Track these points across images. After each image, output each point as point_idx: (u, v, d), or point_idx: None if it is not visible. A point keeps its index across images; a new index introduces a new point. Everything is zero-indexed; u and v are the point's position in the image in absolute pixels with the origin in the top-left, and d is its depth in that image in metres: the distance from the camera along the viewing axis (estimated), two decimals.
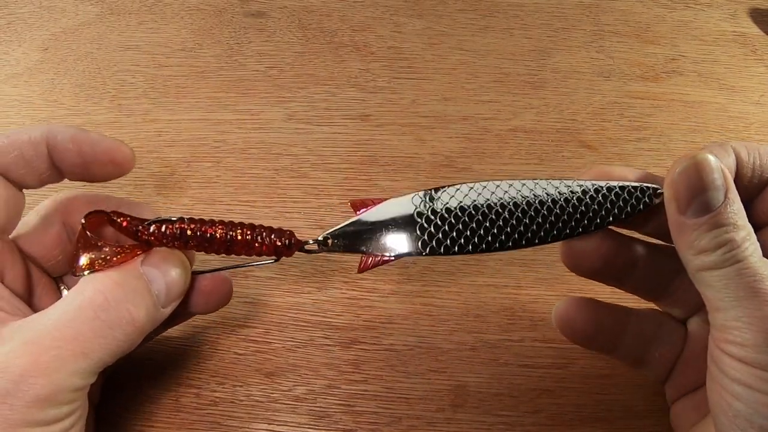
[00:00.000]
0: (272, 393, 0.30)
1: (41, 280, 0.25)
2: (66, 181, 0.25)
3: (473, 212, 0.25)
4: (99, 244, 0.22)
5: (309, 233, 0.27)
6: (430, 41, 0.46)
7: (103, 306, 0.21)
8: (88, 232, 0.22)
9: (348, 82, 0.43)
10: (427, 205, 0.25)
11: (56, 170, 0.24)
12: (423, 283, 0.34)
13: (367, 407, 0.30)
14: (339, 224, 0.25)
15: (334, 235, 0.25)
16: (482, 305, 0.33)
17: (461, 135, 0.40)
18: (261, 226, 0.25)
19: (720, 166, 0.22)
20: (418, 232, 0.25)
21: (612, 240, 0.25)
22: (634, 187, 0.25)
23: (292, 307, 0.33)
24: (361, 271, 0.25)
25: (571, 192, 0.25)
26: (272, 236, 0.25)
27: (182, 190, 0.38)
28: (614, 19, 0.48)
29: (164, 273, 0.23)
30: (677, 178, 0.23)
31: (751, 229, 0.21)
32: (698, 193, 0.22)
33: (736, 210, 0.21)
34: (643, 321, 0.27)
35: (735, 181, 0.23)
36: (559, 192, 0.25)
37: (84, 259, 0.22)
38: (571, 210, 0.25)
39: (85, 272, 0.22)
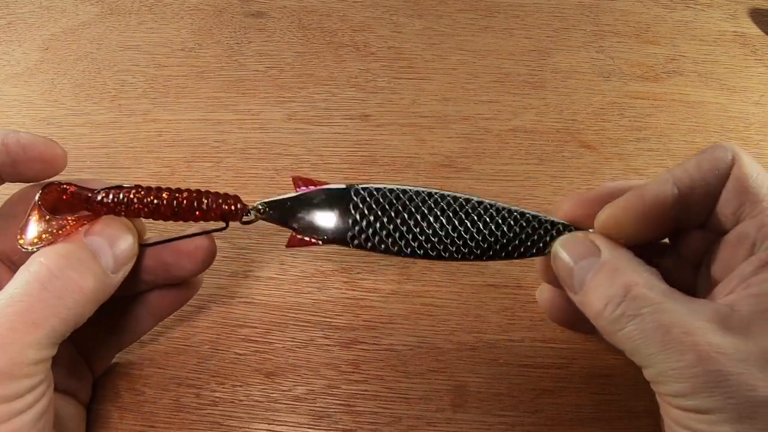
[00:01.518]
0: (272, 393, 0.30)
1: (8, 275, 0.25)
2: None
3: (404, 214, 0.25)
4: (47, 218, 0.23)
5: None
6: (430, 41, 0.46)
7: (48, 277, 0.21)
8: (41, 206, 0.23)
9: (348, 82, 0.43)
10: (364, 198, 0.25)
11: None
12: (423, 283, 0.34)
13: (367, 407, 0.30)
14: (278, 195, 0.26)
15: (270, 205, 0.26)
16: (482, 305, 0.33)
17: (461, 135, 0.40)
18: (207, 191, 0.25)
19: (584, 235, 0.23)
20: (350, 224, 0.25)
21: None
22: (564, 226, 0.25)
23: (292, 307, 0.33)
24: (288, 246, 0.26)
25: (504, 214, 0.25)
26: (218, 200, 0.25)
27: None
28: (614, 19, 0.48)
29: (109, 239, 0.23)
30: (555, 267, 0.24)
31: (645, 272, 0.21)
32: (573, 267, 0.23)
33: (615, 262, 0.22)
34: None
35: (685, 200, 0.22)
36: (492, 211, 0.25)
37: (31, 233, 0.22)
38: (500, 232, 0.25)
39: (30, 247, 0.22)
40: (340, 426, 0.30)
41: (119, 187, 0.24)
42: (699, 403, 0.19)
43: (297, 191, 0.26)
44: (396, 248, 0.25)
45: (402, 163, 0.39)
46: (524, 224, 0.25)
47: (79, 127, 0.41)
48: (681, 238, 0.25)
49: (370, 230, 0.25)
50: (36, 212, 0.23)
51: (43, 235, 0.22)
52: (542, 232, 0.25)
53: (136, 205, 0.24)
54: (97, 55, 0.45)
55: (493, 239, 0.25)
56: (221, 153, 0.39)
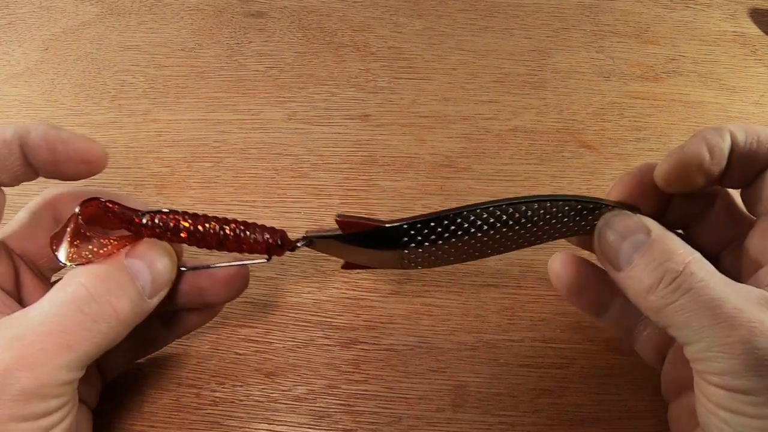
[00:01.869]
0: (272, 393, 0.30)
1: (32, 278, 0.25)
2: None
3: (449, 231, 0.25)
4: (88, 234, 0.22)
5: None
6: (430, 41, 0.46)
7: (87, 299, 0.21)
8: (80, 220, 0.22)
9: (348, 82, 0.43)
10: (412, 235, 0.25)
11: (30, 168, 0.24)
12: (423, 283, 0.34)
13: (367, 407, 0.30)
14: (327, 231, 0.25)
15: (319, 239, 0.25)
16: (482, 305, 0.33)
17: (461, 135, 0.40)
18: (255, 223, 0.25)
19: (631, 214, 0.23)
20: (403, 254, 0.25)
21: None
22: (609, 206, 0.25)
23: (292, 307, 0.33)
24: (344, 268, 0.26)
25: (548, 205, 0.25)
26: (264, 234, 0.25)
27: (182, 190, 0.38)
28: (614, 19, 0.48)
29: (149, 264, 0.23)
30: (599, 247, 0.24)
31: (695, 252, 0.21)
32: (620, 245, 0.22)
33: (668, 241, 0.21)
34: None
35: (728, 164, 0.23)
36: (535, 206, 0.25)
37: (69, 247, 0.22)
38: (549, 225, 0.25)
39: (69, 263, 0.22)
40: (340, 426, 0.30)
41: (165, 212, 0.23)
42: (745, 383, 0.19)
43: (345, 234, 0.25)
44: (452, 259, 0.26)
45: (402, 163, 0.39)
46: (567, 208, 0.24)
47: (79, 127, 0.41)
48: (700, 228, 0.26)
49: (425, 254, 0.25)
50: (74, 225, 0.22)
51: (84, 253, 0.22)
52: (585, 213, 0.24)
53: (182, 233, 0.24)
54: (97, 55, 0.45)
55: (536, 229, 0.25)
56: (221, 153, 0.39)
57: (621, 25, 0.48)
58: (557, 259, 0.27)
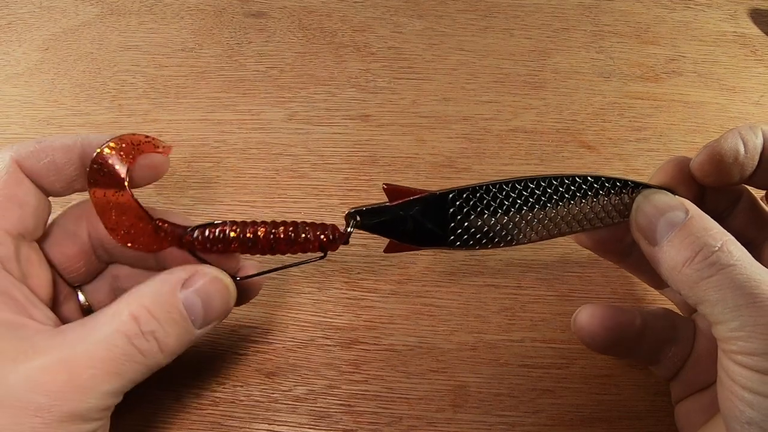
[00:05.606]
0: (272, 393, 0.30)
1: (63, 287, 0.26)
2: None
3: (498, 207, 0.25)
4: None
5: None
6: (431, 42, 0.46)
7: (137, 334, 0.21)
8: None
9: (348, 82, 0.43)
10: (462, 204, 0.25)
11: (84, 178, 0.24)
12: (423, 283, 0.34)
13: (368, 407, 0.30)
14: (372, 205, 0.25)
15: (366, 214, 0.25)
16: (482, 305, 0.33)
17: (461, 135, 0.40)
18: (303, 222, 0.25)
19: (668, 194, 0.24)
20: (450, 228, 0.25)
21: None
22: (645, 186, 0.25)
23: (292, 307, 0.33)
24: (386, 252, 0.25)
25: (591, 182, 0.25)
26: (316, 232, 0.24)
27: (182, 190, 0.38)
28: (614, 19, 0.48)
29: (204, 299, 0.23)
30: (636, 218, 0.24)
31: (731, 237, 0.21)
32: (658, 219, 0.22)
33: (705, 220, 0.22)
34: (658, 322, 0.27)
35: (759, 164, 0.23)
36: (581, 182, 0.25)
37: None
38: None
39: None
40: (340, 426, 0.30)
41: (214, 224, 0.23)
42: None
43: (392, 203, 0.25)
44: (497, 240, 0.25)
45: (402, 163, 0.39)
46: (611, 188, 0.25)
47: (79, 127, 0.41)
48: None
49: (472, 230, 0.25)
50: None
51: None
52: (627, 196, 0.25)
53: (233, 243, 0.23)
54: (97, 55, 0.45)
55: (587, 210, 0.25)
56: (221, 153, 0.39)
57: (621, 26, 0.48)
58: (587, 316, 0.27)
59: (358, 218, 0.25)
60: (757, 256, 0.25)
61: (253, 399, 0.30)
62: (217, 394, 0.30)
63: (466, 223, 0.25)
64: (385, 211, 0.24)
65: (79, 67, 0.44)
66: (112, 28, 0.47)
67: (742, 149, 0.23)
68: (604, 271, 0.34)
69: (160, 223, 0.23)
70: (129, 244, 0.23)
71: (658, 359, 0.27)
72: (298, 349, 0.32)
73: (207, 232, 0.23)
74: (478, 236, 0.25)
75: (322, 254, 0.25)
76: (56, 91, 0.43)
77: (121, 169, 0.23)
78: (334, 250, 0.25)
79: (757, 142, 0.23)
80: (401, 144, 0.40)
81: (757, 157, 0.23)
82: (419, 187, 0.25)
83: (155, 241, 0.23)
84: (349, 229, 0.25)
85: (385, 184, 0.24)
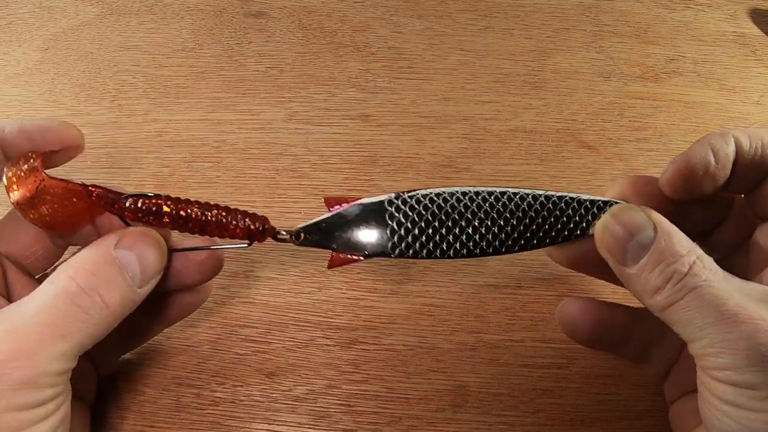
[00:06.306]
0: (272, 393, 0.30)
1: (20, 277, 0.26)
2: None
3: (443, 216, 0.25)
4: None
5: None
6: (431, 42, 0.46)
7: (77, 293, 0.21)
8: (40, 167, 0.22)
9: (348, 82, 0.43)
10: (399, 206, 0.25)
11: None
12: (423, 283, 0.34)
13: (368, 407, 0.30)
14: (312, 219, 0.25)
15: (306, 230, 0.25)
16: (482, 305, 0.33)
17: (461, 135, 0.40)
18: (236, 209, 0.25)
19: (639, 208, 0.23)
20: (389, 234, 0.25)
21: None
22: (604, 202, 0.25)
23: (292, 307, 0.33)
24: (330, 267, 0.25)
25: (542, 201, 0.25)
26: (246, 220, 0.25)
27: (183, 190, 0.38)
28: (614, 19, 0.48)
29: (139, 255, 0.23)
30: (603, 236, 0.23)
31: (699, 251, 0.21)
32: (627, 241, 0.22)
33: (673, 240, 0.21)
34: (648, 321, 0.27)
35: (733, 170, 0.23)
36: (530, 200, 0.25)
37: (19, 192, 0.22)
38: (541, 219, 0.25)
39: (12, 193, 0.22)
40: (340, 426, 0.30)
41: (149, 196, 0.24)
42: (749, 378, 0.19)
43: (330, 211, 0.25)
44: (438, 251, 0.25)
45: (402, 163, 0.39)
46: (564, 207, 0.25)
47: (79, 127, 0.41)
48: (718, 234, 0.26)
49: (410, 237, 0.25)
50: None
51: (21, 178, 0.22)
52: (583, 212, 0.25)
53: (165, 217, 0.24)
54: (97, 55, 0.45)
55: (534, 227, 0.25)
56: (221, 153, 0.39)
57: (621, 25, 0.48)
58: (570, 308, 0.27)
59: (302, 235, 0.25)
60: (746, 255, 0.25)
61: (253, 399, 0.30)
62: (217, 394, 0.30)
63: (402, 229, 0.25)
64: (323, 221, 0.25)
65: (79, 67, 0.44)
66: (112, 28, 0.47)
67: (712, 160, 0.22)
68: None
69: (92, 188, 0.23)
70: (72, 226, 0.24)
71: (647, 358, 0.27)
72: (298, 349, 0.32)
73: (140, 203, 0.23)
74: (417, 245, 0.25)
75: (248, 243, 0.25)
76: (56, 91, 0.43)
77: (32, 184, 0.23)
78: (261, 242, 0.26)
79: (729, 151, 0.22)
80: (401, 144, 0.40)
81: (729, 166, 0.23)
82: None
83: (90, 208, 0.24)
84: (283, 233, 0.25)
85: (325, 197, 0.25)
